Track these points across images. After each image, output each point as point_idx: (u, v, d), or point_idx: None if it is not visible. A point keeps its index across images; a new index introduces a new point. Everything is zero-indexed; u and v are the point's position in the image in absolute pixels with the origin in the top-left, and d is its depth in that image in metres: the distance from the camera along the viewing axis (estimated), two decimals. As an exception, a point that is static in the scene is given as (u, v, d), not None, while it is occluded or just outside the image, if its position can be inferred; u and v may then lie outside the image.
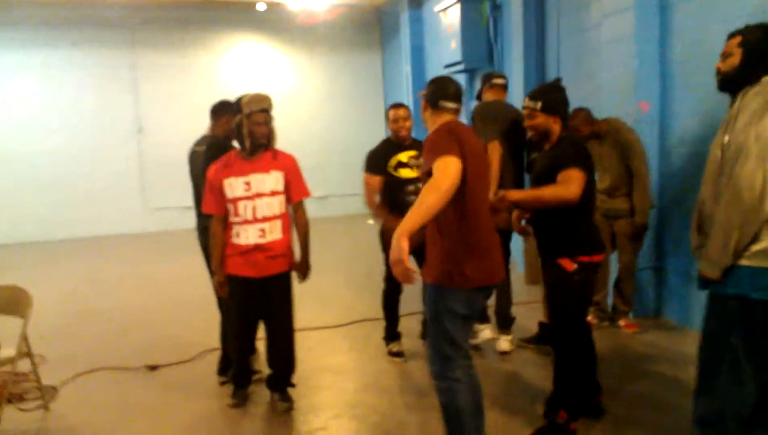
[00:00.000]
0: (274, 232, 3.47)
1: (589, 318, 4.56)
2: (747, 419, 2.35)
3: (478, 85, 7.72)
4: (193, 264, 7.71)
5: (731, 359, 2.34)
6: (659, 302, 4.96)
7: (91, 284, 7.04)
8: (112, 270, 7.81)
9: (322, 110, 11.41)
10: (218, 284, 3.56)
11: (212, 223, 3.52)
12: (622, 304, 4.69)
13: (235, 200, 3.43)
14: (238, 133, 3.42)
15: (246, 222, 3.43)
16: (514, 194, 3.10)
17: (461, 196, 2.48)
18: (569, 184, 2.89)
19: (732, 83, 2.46)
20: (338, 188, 11.14)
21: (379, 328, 4.49)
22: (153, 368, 4.33)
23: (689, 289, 4.66)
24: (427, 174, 2.45)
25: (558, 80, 3.26)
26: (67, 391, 4.00)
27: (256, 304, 3.55)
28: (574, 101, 3.59)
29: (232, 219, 3.46)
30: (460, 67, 7.46)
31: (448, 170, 2.39)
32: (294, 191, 3.56)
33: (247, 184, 3.42)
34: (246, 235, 3.44)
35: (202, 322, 5.25)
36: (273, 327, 3.62)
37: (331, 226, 9.61)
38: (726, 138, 2.34)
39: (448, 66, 7.79)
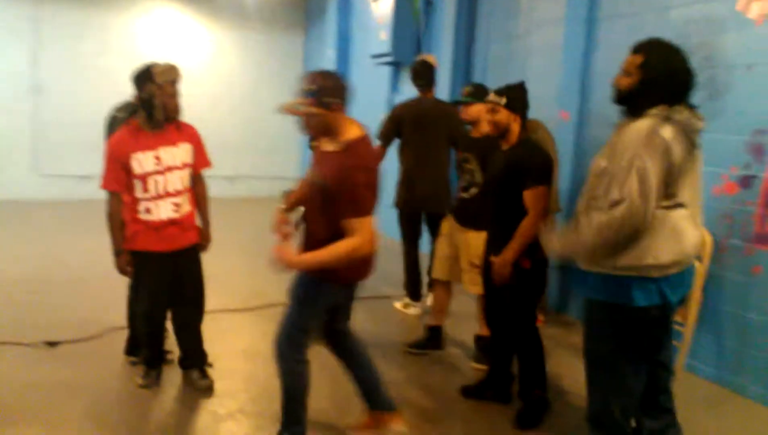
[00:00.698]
0: (185, 205, 3.41)
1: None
2: (632, 408, 2.58)
3: (405, 77, 7.83)
4: (92, 237, 7.32)
5: (607, 357, 2.52)
6: (562, 299, 5.25)
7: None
8: (4, 236, 7.19)
9: (237, 88, 11.03)
10: (123, 264, 3.37)
11: (110, 200, 3.31)
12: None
13: (144, 176, 3.27)
14: (149, 103, 3.25)
15: (158, 197, 3.30)
16: (507, 256, 3.14)
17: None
18: (534, 205, 3.09)
19: (626, 102, 2.51)
20: (248, 169, 10.87)
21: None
22: (53, 344, 4.04)
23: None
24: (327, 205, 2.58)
25: (522, 83, 3.36)
26: (-48, 365, 3.66)
27: (167, 280, 3.42)
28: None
29: (140, 195, 3.30)
30: (389, 58, 7.50)
31: (365, 237, 2.54)
32: (197, 161, 3.49)
33: (157, 158, 3.29)
34: (158, 211, 3.31)
35: (105, 298, 4.98)
36: (186, 301, 3.53)
37: (239, 207, 9.36)
38: (603, 163, 2.45)
39: (375, 56, 7.81)
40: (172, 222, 3.34)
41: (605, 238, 2.32)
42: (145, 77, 3.26)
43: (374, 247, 2.66)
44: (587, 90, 4.99)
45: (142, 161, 3.26)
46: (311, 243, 2.64)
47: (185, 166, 3.39)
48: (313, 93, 2.52)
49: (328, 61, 9.84)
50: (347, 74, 9.55)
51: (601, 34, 4.87)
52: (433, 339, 4.25)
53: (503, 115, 3.19)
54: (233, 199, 9.81)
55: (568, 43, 5.05)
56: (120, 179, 3.27)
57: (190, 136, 3.47)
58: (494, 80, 5.92)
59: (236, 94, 11.01)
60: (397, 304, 5.22)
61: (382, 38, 7.58)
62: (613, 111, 4.57)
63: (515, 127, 3.22)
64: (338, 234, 2.54)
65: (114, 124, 3.83)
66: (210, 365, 3.63)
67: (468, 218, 3.90)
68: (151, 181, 3.28)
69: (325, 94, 2.52)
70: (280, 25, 11.36)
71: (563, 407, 3.51)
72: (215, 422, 3.22)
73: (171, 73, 3.27)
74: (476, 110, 3.88)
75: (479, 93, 3.88)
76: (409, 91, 7.63)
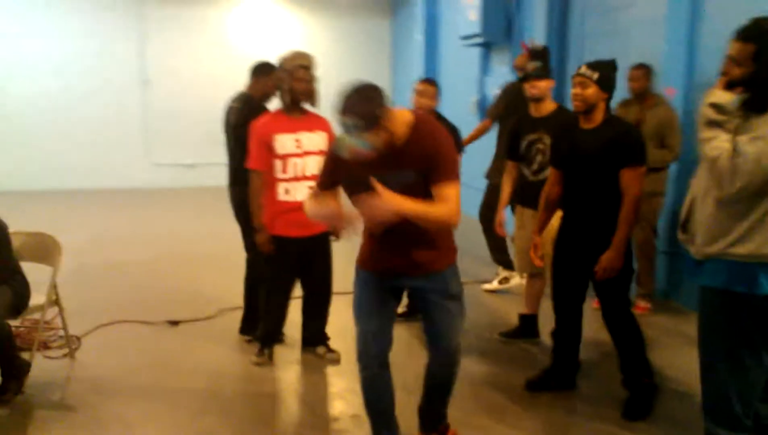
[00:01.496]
0: None
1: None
2: (753, 401, 2.44)
3: (495, 59, 7.74)
4: (202, 221, 7.80)
5: (728, 347, 2.39)
6: (670, 286, 5.07)
7: (102, 237, 7.02)
8: (121, 223, 7.79)
9: (326, 75, 11.26)
10: (263, 239, 3.53)
11: (253, 179, 3.50)
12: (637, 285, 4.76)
13: (285, 156, 3.45)
14: (279, 88, 3.48)
15: (296, 178, 3.47)
16: (622, 245, 3.04)
17: None
18: (637, 185, 3.01)
19: (744, 86, 2.27)
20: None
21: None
22: (174, 323, 4.37)
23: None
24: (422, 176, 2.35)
25: (614, 61, 3.23)
26: (89, 341, 4.04)
27: (297, 264, 3.61)
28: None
29: (280, 175, 3.46)
30: (478, 40, 7.42)
31: (458, 205, 2.36)
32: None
33: (297, 141, 3.47)
34: (295, 192, 3.47)
35: (218, 279, 5.34)
36: (315, 283, 3.72)
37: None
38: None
39: (464, 38, 7.74)
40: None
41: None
42: (271, 66, 3.52)
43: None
44: (694, 64, 4.75)
45: (284, 142, 3.44)
46: (410, 241, 2.48)
47: (321, 153, 3.52)
48: (368, 124, 2.21)
49: (416, 45, 9.85)
50: (436, 58, 9.53)
51: (708, 4, 4.62)
52: (525, 328, 4.18)
53: (592, 91, 3.06)
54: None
55: (672, 14, 4.82)
56: (263, 158, 3.44)
57: (325, 125, 3.63)
58: (592, 55, 5.75)
59: (325, 80, 11.22)
60: (487, 286, 5.21)
61: (471, 19, 7.49)
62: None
63: (601, 106, 3.10)
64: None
65: (229, 112, 4.04)
66: (329, 338, 3.89)
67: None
68: (290, 163, 3.45)
69: (375, 118, 2.22)
70: (367, 10, 11.47)
71: (672, 398, 3.40)
72: (322, 400, 3.39)
73: (300, 59, 3.43)
74: (545, 86, 3.79)
75: (547, 67, 3.82)
76: (497, 72, 7.56)
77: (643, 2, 5.15)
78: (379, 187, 2.22)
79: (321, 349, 3.85)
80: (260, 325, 3.81)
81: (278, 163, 3.45)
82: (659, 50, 4.93)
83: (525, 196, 3.98)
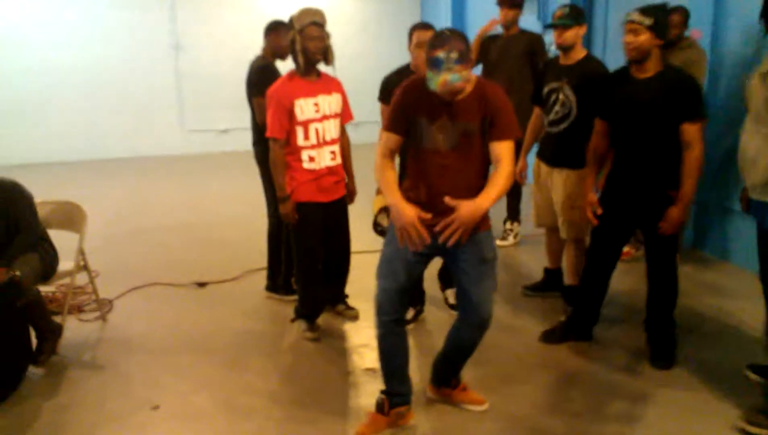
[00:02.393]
0: (338, 156, 3.52)
1: (627, 249, 4.58)
2: None
3: (525, 8, 7.50)
4: (232, 185, 7.96)
5: None
6: (697, 236, 4.96)
7: (135, 203, 7.25)
8: (152, 190, 8.00)
9: (356, 36, 11.16)
10: (289, 209, 3.41)
11: (274, 148, 3.36)
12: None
13: (306, 123, 3.34)
14: (292, 50, 3.32)
15: (319, 145, 3.40)
16: (688, 200, 3.01)
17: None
18: (700, 139, 2.95)
19: None
20: (367, 116, 11.08)
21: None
22: (202, 285, 4.53)
23: (727, 224, 4.65)
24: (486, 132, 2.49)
25: (667, 4, 3.08)
26: (121, 304, 4.23)
27: (323, 231, 3.55)
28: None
29: (302, 143, 3.36)
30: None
31: (513, 164, 2.51)
32: (345, 113, 3.59)
33: (316, 105, 3.37)
34: (320, 159, 3.41)
35: (244, 241, 5.50)
36: (337, 245, 3.70)
37: (361, 153, 9.62)
38: None
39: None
40: (329, 170, 3.47)
41: None
42: (283, 25, 3.37)
43: None
44: (721, 6, 4.53)
45: (303, 107, 3.31)
46: (461, 191, 2.47)
47: (337, 115, 3.50)
48: (462, 58, 2.33)
49: (444, 4, 9.63)
50: (464, 11, 9.31)
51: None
52: (550, 281, 4.17)
53: (645, 38, 2.90)
54: (355, 145, 10.08)
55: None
56: (284, 126, 3.31)
57: (339, 87, 3.53)
58: (617, 2, 5.55)
59: (356, 42, 11.12)
60: (499, 242, 5.11)
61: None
62: (752, 29, 4.24)
63: (656, 53, 2.95)
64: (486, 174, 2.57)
65: (248, 74, 4.06)
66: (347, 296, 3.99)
67: (562, 156, 3.65)
68: (312, 129, 3.34)
69: (468, 53, 2.38)
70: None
71: (704, 348, 3.41)
72: (339, 356, 3.48)
73: (310, 15, 3.26)
74: (572, 34, 3.50)
75: (576, 15, 3.52)
76: (525, 22, 7.31)
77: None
78: (454, 202, 2.35)
79: (340, 307, 3.94)
80: (300, 299, 3.74)
81: (300, 130, 3.34)
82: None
83: (541, 147, 3.88)
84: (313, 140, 3.38)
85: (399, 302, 2.61)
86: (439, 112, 2.48)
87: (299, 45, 3.28)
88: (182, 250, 5.46)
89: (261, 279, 4.45)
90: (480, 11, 8.67)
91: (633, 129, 3.08)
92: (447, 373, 2.91)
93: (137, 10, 10.20)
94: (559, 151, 3.67)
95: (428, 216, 2.43)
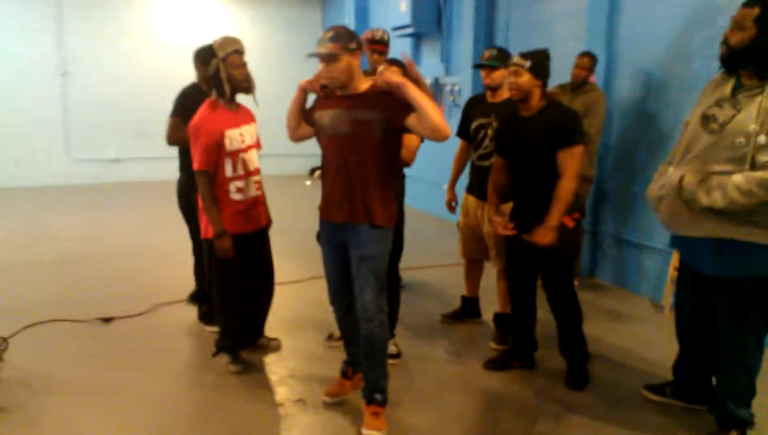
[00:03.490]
0: (261, 185, 3.49)
1: None
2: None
3: (426, 49, 7.85)
4: (128, 217, 7.58)
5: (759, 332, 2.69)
6: (594, 264, 5.34)
7: (23, 235, 6.71)
8: (41, 221, 7.45)
9: (256, 66, 11.09)
10: (227, 244, 3.26)
11: (203, 181, 3.23)
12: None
13: (235, 153, 3.29)
14: (216, 78, 3.26)
15: (247, 174, 3.36)
16: (553, 222, 3.10)
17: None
18: (573, 165, 3.08)
19: (736, 60, 2.51)
20: (273, 148, 10.99)
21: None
22: (107, 320, 4.25)
23: (621, 252, 5.06)
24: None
25: (547, 49, 3.29)
26: (17, 342, 3.88)
27: (246, 261, 3.46)
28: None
29: (230, 174, 3.29)
30: (409, 30, 7.52)
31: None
32: (258, 144, 3.58)
33: (242, 135, 3.33)
34: (248, 190, 3.36)
35: (148, 274, 5.25)
36: (263, 275, 3.65)
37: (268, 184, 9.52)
38: (753, 127, 2.41)
39: (395, 29, 7.82)
40: (256, 200, 3.42)
41: (760, 198, 2.38)
42: (207, 54, 3.29)
43: None
44: (613, 54, 5.01)
45: (232, 138, 3.26)
46: (358, 174, 2.75)
47: (257, 146, 3.48)
48: (336, 38, 2.72)
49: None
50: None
51: (626, -2, 4.88)
52: (467, 309, 4.30)
53: (526, 79, 3.14)
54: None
55: (593, 6, 5.06)
56: (213, 158, 3.22)
57: (253, 117, 3.53)
58: (516, 47, 5.95)
59: (255, 72, 11.06)
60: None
61: (402, 10, 7.59)
62: (642, 75, 4.71)
63: (536, 93, 3.18)
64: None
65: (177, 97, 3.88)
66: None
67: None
68: (239, 159, 3.29)
69: (349, 40, 2.75)
70: (297, 1, 11.38)
71: (604, 371, 3.59)
72: (265, 388, 3.39)
73: (232, 44, 3.25)
74: (500, 75, 3.70)
75: (503, 57, 3.74)
76: (428, 63, 7.67)
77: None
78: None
79: (263, 339, 3.84)
80: (222, 332, 3.59)
81: (228, 161, 3.26)
82: (581, 40, 5.16)
83: (471, 182, 3.99)
84: (240, 171, 3.33)
85: (342, 293, 2.99)
86: (336, 103, 2.80)
87: (224, 73, 3.25)
88: (80, 284, 5.10)
89: (171, 312, 4.25)
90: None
91: (521, 164, 3.30)
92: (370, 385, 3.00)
93: (24, 34, 9.62)
94: (486, 185, 3.79)
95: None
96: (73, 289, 4.97)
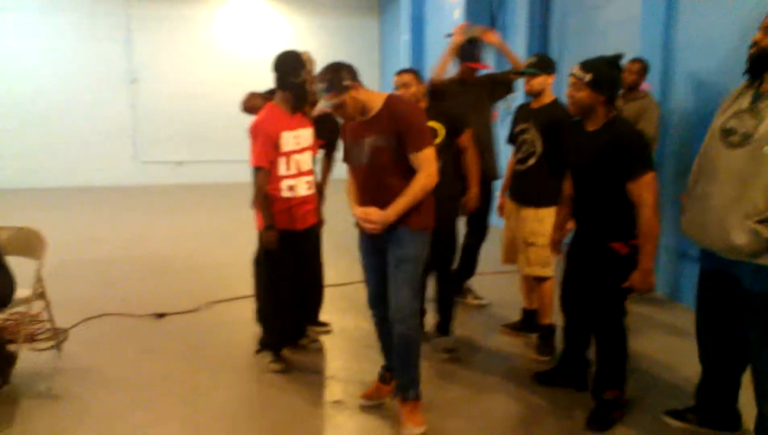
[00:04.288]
0: (312, 186, 3.64)
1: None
2: None
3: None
4: (187, 217, 7.87)
5: None
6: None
7: (87, 233, 7.06)
8: (108, 220, 7.84)
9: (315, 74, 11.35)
10: (272, 237, 3.45)
11: (260, 177, 3.46)
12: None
13: (289, 153, 3.48)
14: (302, 87, 3.48)
15: (298, 174, 3.52)
16: (648, 264, 2.80)
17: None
18: (649, 195, 2.75)
19: (764, 63, 2.42)
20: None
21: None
22: (160, 316, 4.43)
23: (678, 265, 4.89)
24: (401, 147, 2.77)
25: (618, 57, 2.96)
26: (76, 333, 4.10)
27: (294, 259, 3.59)
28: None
29: (284, 172, 3.48)
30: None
31: (433, 166, 2.81)
32: (314, 148, 3.73)
33: (297, 137, 3.52)
34: (299, 188, 3.53)
35: (203, 274, 5.42)
36: (311, 274, 3.79)
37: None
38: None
39: (449, 36, 7.79)
40: (305, 199, 3.58)
41: None
42: (298, 64, 3.50)
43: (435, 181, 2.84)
44: (669, 62, 4.87)
45: (287, 139, 3.46)
46: (386, 200, 2.80)
47: (312, 148, 3.64)
48: (329, 88, 2.73)
49: (403, 45, 9.94)
50: (422, 56, 9.63)
51: (681, 3, 4.73)
52: (527, 322, 4.16)
53: (584, 95, 2.84)
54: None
55: (647, 14, 4.94)
56: (269, 156, 3.43)
57: (309, 122, 3.69)
58: (570, 53, 5.88)
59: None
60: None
61: (455, 17, 7.61)
62: (698, 83, 4.56)
63: (600, 109, 2.86)
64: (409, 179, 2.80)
65: None
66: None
67: (525, 195, 3.77)
68: (292, 160, 3.49)
69: (341, 81, 2.73)
70: (355, 10, 11.56)
71: (653, 389, 3.47)
72: (305, 388, 3.45)
73: (311, 60, 3.53)
74: (539, 82, 3.67)
75: (543, 64, 3.70)
76: (481, 70, 7.63)
77: (619, 2, 5.26)
78: (368, 210, 2.81)
79: (305, 340, 3.93)
80: (265, 330, 3.74)
81: (282, 161, 3.47)
82: (636, 46, 5.04)
83: (511, 185, 3.98)
84: (293, 170, 3.50)
85: (380, 299, 3.01)
86: (356, 130, 2.87)
87: (309, 85, 3.47)
88: (138, 281, 5.34)
89: (222, 310, 4.38)
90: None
91: (578, 178, 3.10)
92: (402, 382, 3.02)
93: (95, 44, 10.17)
94: (523, 189, 3.81)
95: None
96: (130, 285, 5.22)
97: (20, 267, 3.54)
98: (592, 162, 2.91)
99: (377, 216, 2.79)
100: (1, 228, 3.60)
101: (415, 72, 3.92)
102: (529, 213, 3.75)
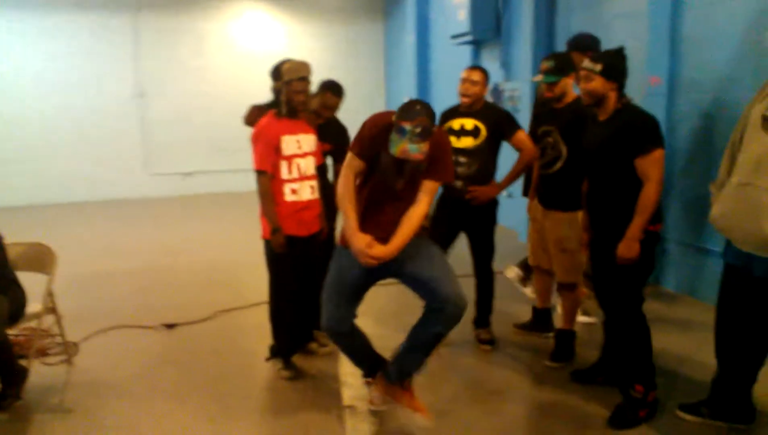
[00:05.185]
0: (316, 190, 3.63)
1: (584, 289, 4.51)
2: None
3: (485, 56, 7.79)
4: (199, 229, 7.89)
5: None
6: (657, 271, 5.11)
7: (98, 246, 7.10)
8: (119, 233, 7.87)
9: (322, 78, 11.33)
10: (280, 239, 3.46)
11: (262, 181, 3.49)
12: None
13: (291, 157, 3.50)
14: (276, 97, 3.59)
15: (300, 178, 3.53)
16: (636, 233, 2.86)
17: None
18: (655, 171, 2.83)
19: None
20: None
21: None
22: (170, 327, 4.44)
23: (688, 259, 4.83)
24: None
25: (622, 48, 3.08)
26: (87, 347, 4.11)
27: (299, 266, 3.60)
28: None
29: (286, 176, 3.50)
30: (468, 38, 7.49)
31: (432, 198, 2.95)
32: (317, 154, 3.71)
33: (298, 142, 3.54)
34: (302, 192, 3.54)
35: (213, 284, 5.42)
36: (315, 281, 3.62)
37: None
38: None
39: (454, 36, 7.81)
40: (309, 204, 3.58)
41: None
42: (276, 73, 3.57)
43: None
44: (677, 54, 4.81)
45: (288, 143, 3.49)
46: (383, 226, 2.85)
47: (314, 153, 3.65)
48: (424, 133, 2.63)
49: (408, 46, 9.93)
50: (427, 58, 9.61)
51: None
52: (538, 321, 4.13)
53: (598, 84, 2.96)
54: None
55: (653, 5, 4.89)
56: (270, 159, 3.46)
57: (311, 129, 3.71)
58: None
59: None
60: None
61: (460, 18, 7.58)
62: (707, 75, 4.50)
63: (612, 96, 2.98)
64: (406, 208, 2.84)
65: None
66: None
67: (553, 198, 3.68)
68: (294, 163, 3.52)
69: (430, 129, 2.67)
70: (360, 14, 11.56)
71: (671, 384, 3.39)
72: (316, 394, 3.44)
73: (298, 71, 3.46)
74: (561, 87, 3.59)
75: (561, 66, 3.57)
76: (489, 69, 7.56)
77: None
78: (374, 248, 2.76)
79: (313, 345, 3.92)
80: (274, 337, 3.70)
81: (284, 164, 3.50)
82: (643, 41, 4.99)
83: (537, 187, 3.86)
84: (295, 174, 3.52)
85: (348, 316, 2.98)
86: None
87: (284, 96, 3.50)
88: (148, 292, 5.35)
89: (233, 319, 4.37)
90: (442, 58, 8.97)
91: (593, 171, 3.12)
92: (408, 370, 3.02)
93: (103, 58, 10.25)
94: (550, 193, 3.70)
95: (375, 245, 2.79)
96: (140, 296, 5.23)
97: (31, 282, 3.57)
98: (604, 144, 2.99)
99: (381, 253, 2.77)
100: (13, 244, 3.61)
101: (486, 73, 3.91)
102: (558, 217, 3.66)
